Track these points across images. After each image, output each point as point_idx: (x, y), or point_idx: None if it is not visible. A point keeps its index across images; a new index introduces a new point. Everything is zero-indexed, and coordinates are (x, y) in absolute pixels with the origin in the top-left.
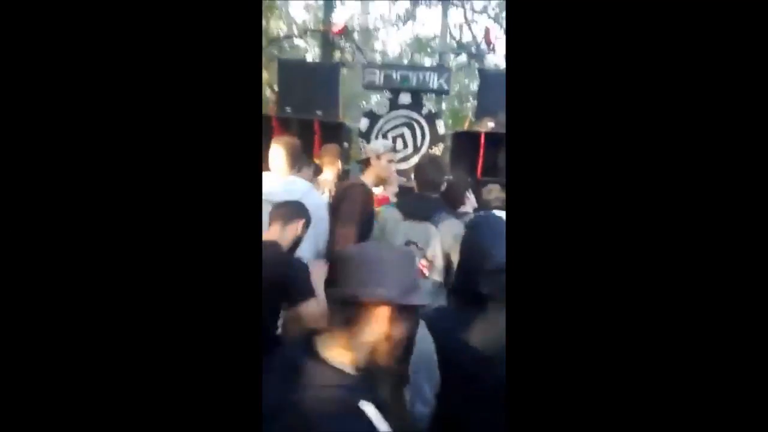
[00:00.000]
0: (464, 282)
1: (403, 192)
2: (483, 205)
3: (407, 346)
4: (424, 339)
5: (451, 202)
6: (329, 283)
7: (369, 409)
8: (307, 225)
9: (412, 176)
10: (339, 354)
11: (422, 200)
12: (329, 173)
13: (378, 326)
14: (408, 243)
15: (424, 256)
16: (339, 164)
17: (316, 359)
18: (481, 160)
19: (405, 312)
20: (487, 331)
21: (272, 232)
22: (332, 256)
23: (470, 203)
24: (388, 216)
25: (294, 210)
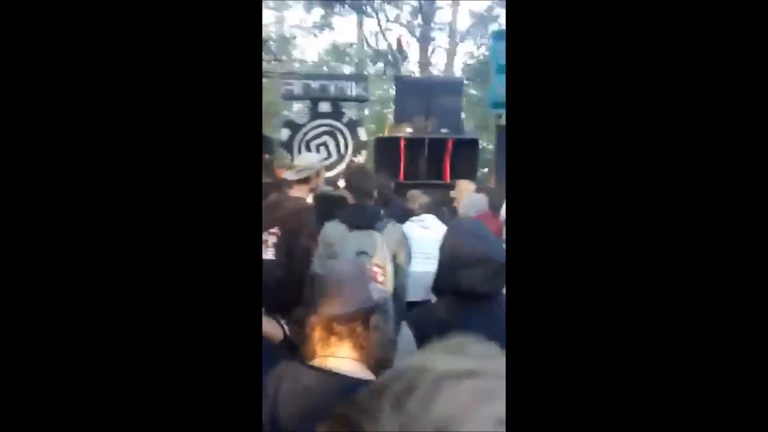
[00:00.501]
0: (447, 280)
1: (334, 202)
2: (408, 211)
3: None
4: (406, 338)
5: (382, 206)
6: (293, 304)
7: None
8: None
9: (341, 185)
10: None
11: (362, 210)
12: None
13: (353, 336)
14: (359, 253)
15: (376, 264)
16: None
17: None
18: (402, 164)
19: (368, 316)
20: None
21: None
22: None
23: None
24: (333, 230)
25: None
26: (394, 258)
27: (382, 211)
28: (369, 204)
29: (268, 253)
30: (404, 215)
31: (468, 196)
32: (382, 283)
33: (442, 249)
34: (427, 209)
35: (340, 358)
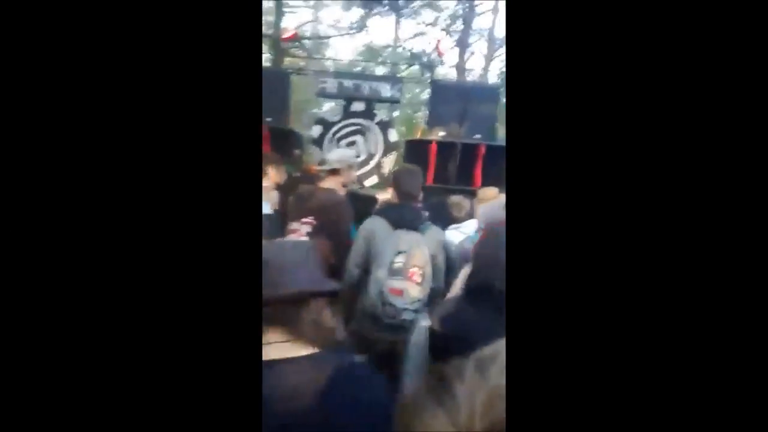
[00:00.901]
0: (479, 282)
1: (361, 200)
2: (452, 217)
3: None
4: (419, 335)
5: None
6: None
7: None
8: None
9: (367, 184)
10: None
11: (407, 210)
12: (266, 182)
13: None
14: (399, 252)
15: (415, 264)
16: (279, 173)
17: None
18: (432, 168)
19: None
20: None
21: None
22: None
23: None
24: (376, 226)
25: None
26: (434, 260)
27: (427, 214)
28: (413, 205)
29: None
30: (445, 220)
31: (484, 205)
32: (420, 283)
33: (477, 252)
34: (470, 216)
35: (270, 344)
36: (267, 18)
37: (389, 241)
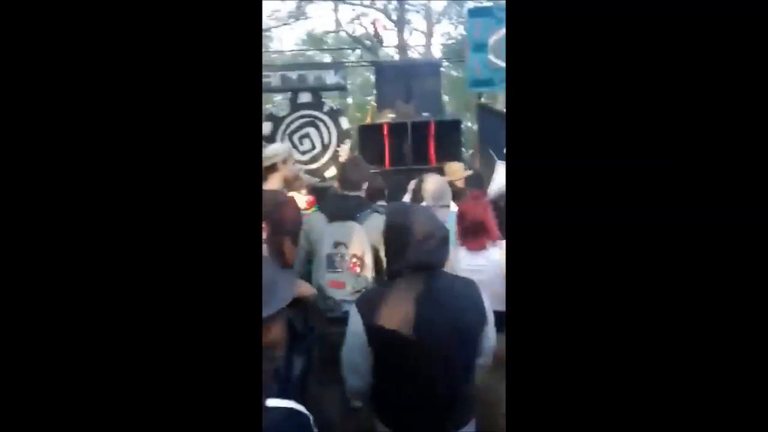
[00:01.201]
0: (392, 260)
1: (324, 194)
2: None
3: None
4: (354, 320)
5: (372, 197)
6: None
7: (275, 401)
8: None
9: (328, 175)
10: None
11: (345, 200)
12: None
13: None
14: (336, 244)
15: (354, 254)
16: None
17: None
18: (387, 151)
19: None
20: (413, 300)
21: None
22: None
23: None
24: (313, 221)
25: None
26: (376, 249)
27: (366, 203)
28: (353, 194)
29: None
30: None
31: (433, 187)
32: (360, 274)
33: (387, 235)
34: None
35: None
36: None
37: (325, 234)
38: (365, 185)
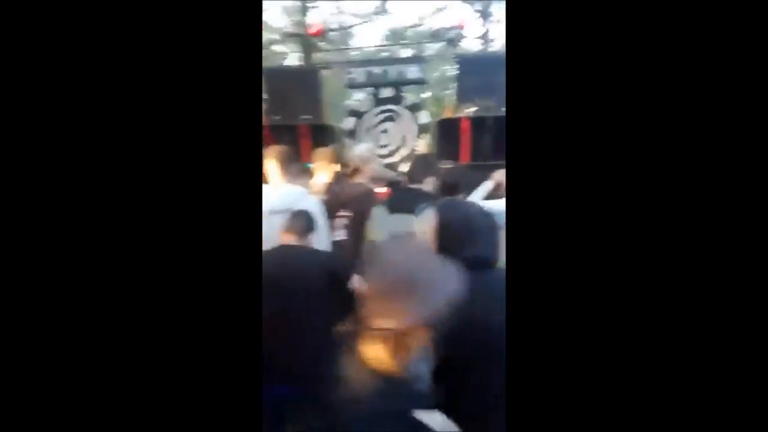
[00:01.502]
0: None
1: (394, 187)
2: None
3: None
4: None
5: (446, 192)
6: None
7: (423, 415)
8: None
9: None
10: (381, 363)
11: (409, 193)
12: (323, 176)
13: (416, 338)
14: (392, 235)
15: None
16: (333, 166)
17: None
18: (466, 146)
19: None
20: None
21: (286, 239)
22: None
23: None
24: (376, 213)
25: (304, 220)
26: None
27: (429, 197)
28: (419, 188)
29: (340, 234)
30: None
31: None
32: None
33: (437, 231)
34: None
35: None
36: (294, 17)
37: (383, 225)
38: (430, 179)
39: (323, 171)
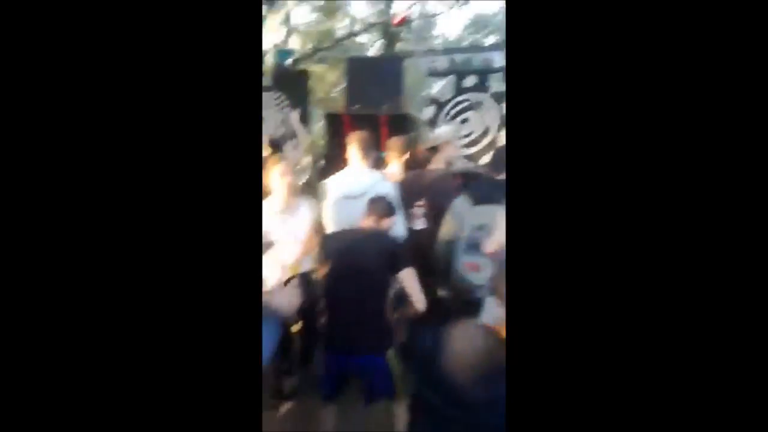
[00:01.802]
0: None
1: (472, 178)
2: None
3: None
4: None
5: None
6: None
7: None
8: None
9: (484, 161)
10: None
11: (490, 184)
12: (396, 165)
13: None
14: (479, 227)
15: (496, 239)
16: (405, 155)
17: None
18: None
19: None
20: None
21: (367, 223)
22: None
23: None
24: (458, 204)
25: (386, 205)
26: None
27: None
28: (501, 179)
29: (420, 224)
30: None
31: None
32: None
33: None
34: None
35: None
36: (378, 6)
37: (467, 217)
38: None
39: (396, 160)
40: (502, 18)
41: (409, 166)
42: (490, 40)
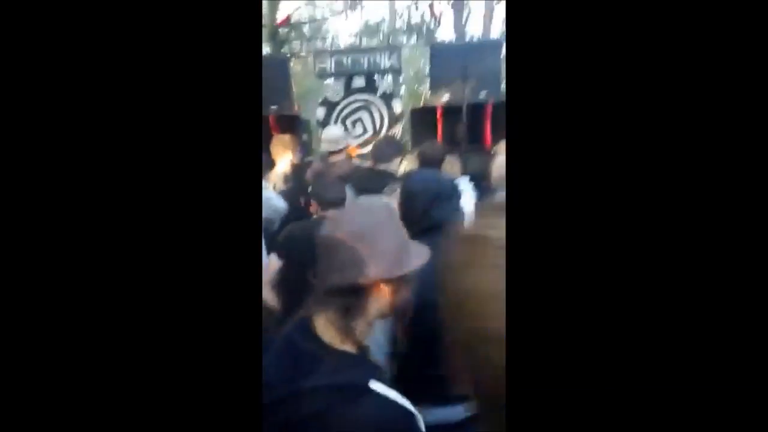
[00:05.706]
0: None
1: (357, 170)
2: None
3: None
4: None
5: (425, 164)
6: (317, 271)
7: (380, 386)
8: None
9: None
10: (336, 337)
11: (371, 175)
12: (283, 165)
13: (375, 304)
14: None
15: None
16: (293, 154)
17: (317, 344)
18: (439, 134)
19: (399, 281)
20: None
21: None
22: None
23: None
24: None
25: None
26: None
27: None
28: (382, 169)
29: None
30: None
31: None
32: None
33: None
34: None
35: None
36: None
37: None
38: (397, 160)
39: (283, 159)
40: (388, 23)
41: (298, 169)
42: (379, 44)
